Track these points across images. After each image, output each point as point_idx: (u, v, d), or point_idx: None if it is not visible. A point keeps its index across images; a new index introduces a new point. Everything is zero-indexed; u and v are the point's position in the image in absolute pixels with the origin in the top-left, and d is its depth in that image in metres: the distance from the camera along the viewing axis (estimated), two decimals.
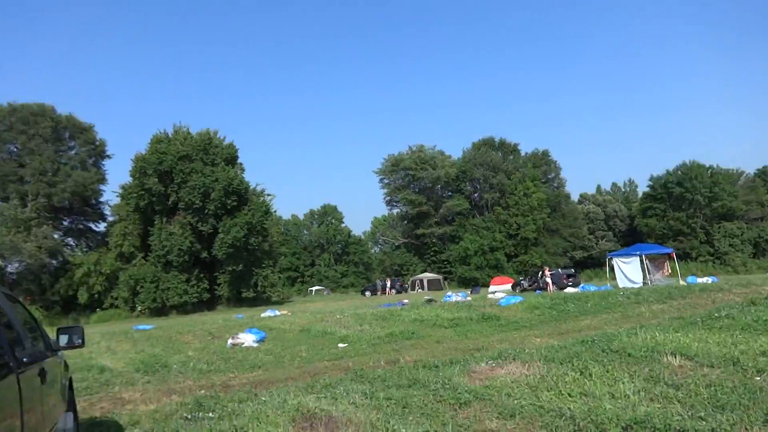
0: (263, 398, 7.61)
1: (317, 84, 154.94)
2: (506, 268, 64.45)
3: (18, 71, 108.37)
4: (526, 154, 77.94)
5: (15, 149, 51.77)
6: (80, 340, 5.28)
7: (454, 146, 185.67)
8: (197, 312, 43.75)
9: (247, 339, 15.17)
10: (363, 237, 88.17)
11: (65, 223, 55.87)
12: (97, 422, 7.26)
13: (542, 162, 77.07)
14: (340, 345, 14.29)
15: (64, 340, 5.26)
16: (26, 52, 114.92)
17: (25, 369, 3.81)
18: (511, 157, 76.00)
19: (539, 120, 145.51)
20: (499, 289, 36.13)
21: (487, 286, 44.19)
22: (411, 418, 5.89)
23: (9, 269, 47.77)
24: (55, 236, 51.04)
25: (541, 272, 37.09)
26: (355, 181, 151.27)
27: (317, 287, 73.29)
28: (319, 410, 6.49)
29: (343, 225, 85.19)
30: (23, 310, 4.98)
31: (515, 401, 6.19)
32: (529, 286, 36.63)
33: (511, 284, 40.02)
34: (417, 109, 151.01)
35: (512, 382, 7.10)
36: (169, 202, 47.07)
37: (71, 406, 5.66)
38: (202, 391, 8.85)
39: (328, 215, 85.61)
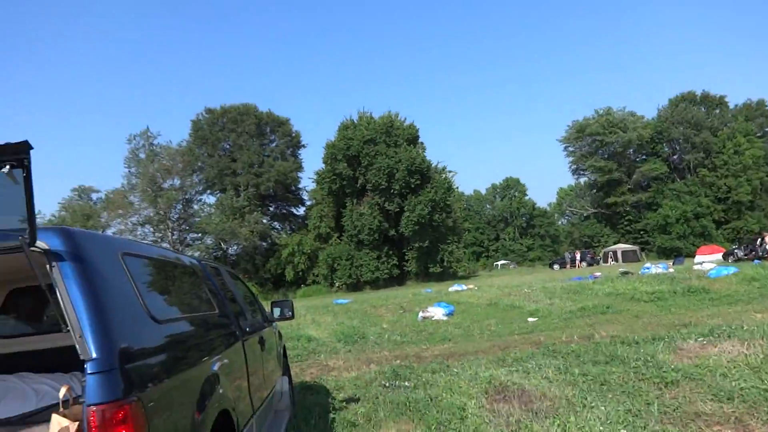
0: (455, 370, 7.81)
1: (494, 55, 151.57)
2: (715, 236, 57.64)
3: (224, 76, 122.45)
4: (736, 106, 68.50)
5: (228, 146, 58.99)
6: (290, 313, 5.89)
7: (647, 106, 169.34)
8: (388, 287, 45.98)
9: (437, 312, 15.62)
10: (548, 209, 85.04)
11: (271, 208, 62.37)
12: (308, 386, 8.05)
13: (757, 113, 67.08)
14: (530, 319, 14.05)
15: (277, 312, 5.92)
16: (230, 57, 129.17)
17: (248, 337, 4.36)
18: (717, 111, 67.36)
19: (750, 65, 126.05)
20: (707, 260, 32.47)
21: (693, 256, 40.04)
22: (610, 396, 5.61)
23: (229, 251, 54.83)
24: (264, 221, 57.35)
25: (760, 239, 32.55)
26: (538, 152, 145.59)
27: (502, 261, 72.64)
28: (511, 383, 6.48)
29: (526, 197, 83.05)
30: (243, 286, 5.70)
31: (733, 383, 5.56)
32: (746, 255, 32.34)
33: (721, 254, 35.75)
34: (601, 70, 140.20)
35: (728, 361, 6.38)
36: (358, 185, 49.89)
37: (286, 371, 6.36)
38: (398, 361, 9.33)
39: (511, 188, 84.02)
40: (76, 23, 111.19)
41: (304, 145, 62.92)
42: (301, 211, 63.09)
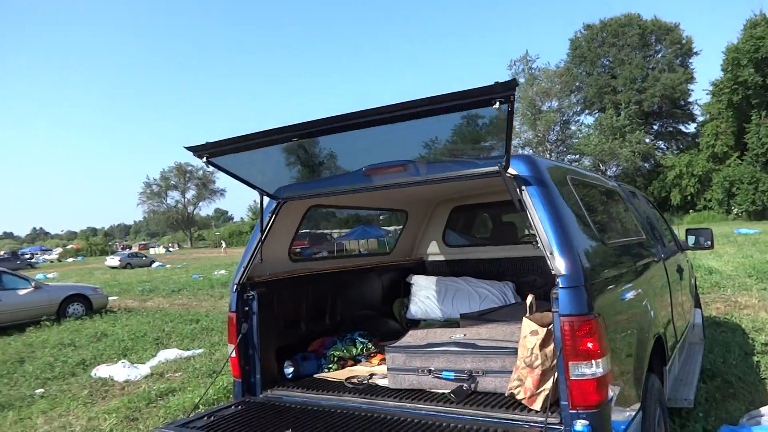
0: None
1: None
2: None
3: None
4: None
5: (608, 62, 55.94)
6: (708, 242, 5.36)
7: None
8: None
9: None
10: None
11: (655, 127, 57.34)
12: (717, 322, 7.37)
13: None
14: None
15: (691, 240, 5.47)
16: None
17: (669, 263, 4.19)
18: None
19: None
20: None
21: None
22: None
23: (608, 173, 53.14)
24: (647, 140, 53.20)
25: None
26: None
27: None
28: None
29: None
30: (656, 211, 5.48)
31: None
32: None
33: None
34: None
35: None
36: None
37: (697, 303, 5.93)
38: None
39: None
40: None
41: (696, 53, 55.15)
42: (691, 128, 56.30)
